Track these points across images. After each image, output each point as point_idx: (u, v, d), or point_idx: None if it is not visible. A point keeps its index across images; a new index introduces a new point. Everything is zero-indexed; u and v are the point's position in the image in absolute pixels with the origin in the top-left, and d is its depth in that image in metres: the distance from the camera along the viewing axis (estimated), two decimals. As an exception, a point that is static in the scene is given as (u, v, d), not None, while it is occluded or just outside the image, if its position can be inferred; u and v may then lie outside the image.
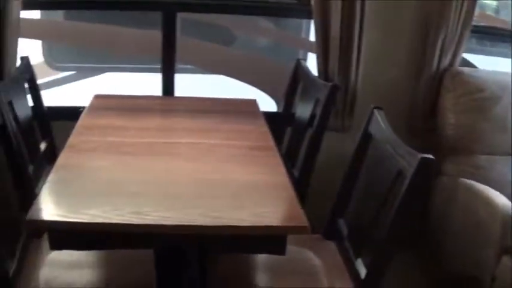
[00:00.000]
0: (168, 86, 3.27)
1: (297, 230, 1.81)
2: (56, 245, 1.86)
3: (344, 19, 2.92)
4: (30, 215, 1.76)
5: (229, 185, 2.06)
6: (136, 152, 2.30)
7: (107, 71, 4.50)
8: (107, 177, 2.08)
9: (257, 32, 4.07)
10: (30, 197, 2.21)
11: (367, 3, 2.91)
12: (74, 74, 4.52)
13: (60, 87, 4.34)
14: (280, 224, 1.84)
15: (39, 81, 2.94)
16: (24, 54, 2.85)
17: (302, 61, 3.03)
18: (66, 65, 4.29)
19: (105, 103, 2.85)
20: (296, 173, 2.64)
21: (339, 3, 2.88)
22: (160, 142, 2.42)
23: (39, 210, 1.81)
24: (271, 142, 2.44)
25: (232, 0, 3.36)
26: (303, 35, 3.85)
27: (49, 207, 1.86)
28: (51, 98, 3.17)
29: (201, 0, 3.28)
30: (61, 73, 4.37)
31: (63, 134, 2.43)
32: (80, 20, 3.69)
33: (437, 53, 3.07)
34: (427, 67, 3.11)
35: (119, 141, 2.38)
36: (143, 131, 2.52)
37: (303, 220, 1.77)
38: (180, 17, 3.29)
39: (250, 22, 3.89)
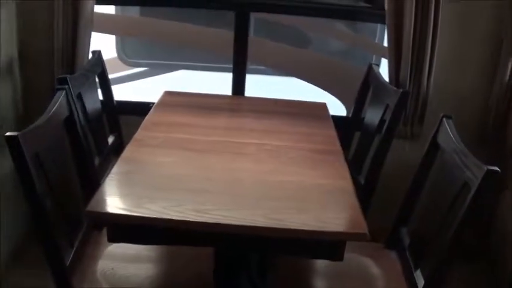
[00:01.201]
0: (238, 86, 3.25)
1: (356, 237, 1.77)
2: (115, 238, 1.85)
3: (417, 25, 2.84)
4: (91, 206, 1.76)
5: (293, 188, 2.01)
6: (202, 150, 2.28)
7: (179, 69, 4.53)
8: (170, 173, 2.06)
9: (331, 34, 4.01)
10: (94, 189, 2.21)
11: (441, 10, 2.82)
12: (146, 70, 4.56)
13: (132, 82, 4.39)
14: (341, 230, 1.79)
15: (111, 76, 2.96)
16: (97, 48, 2.87)
17: (374, 66, 2.95)
18: (138, 61, 4.33)
19: (174, 100, 2.85)
20: (361, 179, 2.58)
21: (413, 8, 2.80)
22: (226, 141, 2.40)
23: (100, 201, 1.80)
24: (338, 146, 2.39)
25: (307, 2, 3.31)
26: (377, 40, 3.76)
27: (110, 200, 1.86)
28: (122, 93, 3.19)
29: (275, 0, 3.24)
30: (134, 69, 4.42)
31: (132, 129, 2.44)
32: (155, 17, 3.71)
33: (511, 63, 2.94)
34: (500, 77, 2.99)
35: (184, 138, 2.37)
36: (210, 129, 2.50)
37: (363, 227, 1.73)
38: (254, 17, 3.26)
39: (324, 24, 3.83)
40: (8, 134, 1.71)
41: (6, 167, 2.52)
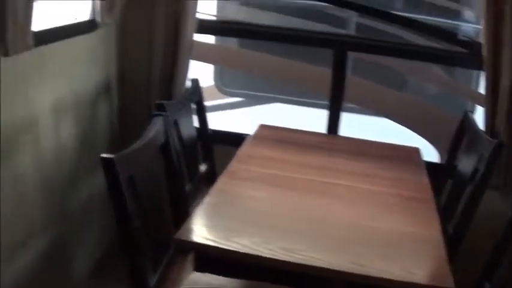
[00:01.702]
0: (333, 124, 3.24)
1: (442, 290, 1.72)
2: (200, 268, 1.88)
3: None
4: (180, 233, 1.79)
5: (381, 234, 1.99)
6: (294, 188, 2.29)
7: (273, 101, 4.57)
8: (261, 208, 2.08)
9: (428, 79, 3.96)
10: (183, 215, 2.25)
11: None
12: (242, 100, 4.63)
13: (227, 111, 4.46)
14: (425, 283, 1.74)
15: (207, 104, 3.02)
16: (195, 77, 2.94)
17: (470, 113, 2.89)
18: (235, 91, 4.40)
19: (269, 134, 2.88)
20: (450, 228, 2.52)
21: (512, 55, 2.72)
22: (318, 181, 2.39)
23: (189, 230, 1.84)
24: (429, 194, 2.34)
25: (404, 44, 3.29)
26: (473, 86, 3.70)
27: (199, 230, 1.89)
28: (217, 121, 3.25)
29: (374, 41, 3.24)
30: (229, 98, 4.49)
31: (224, 158, 2.47)
32: (253, 49, 3.77)
33: None
34: None
35: (277, 174, 2.39)
36: (303, 167, 2.50)
37: (449, 282, 1.69)
38: (352, 56, 3.26)
39: (421, 68, 3.80)
40: (103, 155, 1.76)
41: (97, 184, 2.60)
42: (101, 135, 3.02)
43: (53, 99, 2.56)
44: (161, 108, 2.36)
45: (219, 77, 4.22)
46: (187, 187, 2.57)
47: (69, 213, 2.78)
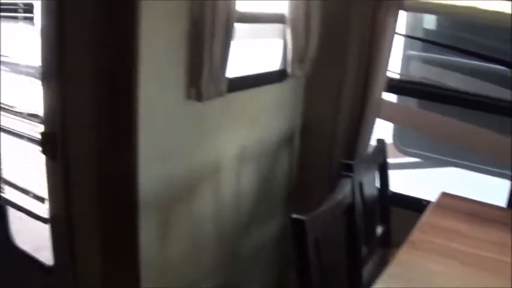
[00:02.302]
0: (515, 197, 3.06)
1: None
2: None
3: None
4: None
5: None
6: (475, 265, 2.17)
7: (451, 166, 4.42)
8: (440, 284, 1.99)
9: None
10: (357, 278, 2.21)
11: None
12: (419, 161, 4.52)
13: (403, 170, 4.37)
14: None
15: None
16: (380, 136, 2.90)
17: None
18: (413, 150, 4.31)
19: (452, 203, 2.76)
20: None
21: None
22: (502, 261, 2.25)
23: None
24: None
25: None
26: None
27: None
28: (393, 181, 3.18)
29: None
30: (406, 158, 4.40)
31: (402, 222, 2.41)
32: (433, 110, 3.67)
33: None
34: None
35: (460, 249, 2.27)
36: (487, 244, 2.36)
37: None
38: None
39: None
40: (295, 216, 1.77)
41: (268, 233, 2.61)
42: (278, 186, 3.05)
43: (238, 146, 2.62)
44: (349, 168, 2.34)
45: (397, 135, 4.15)
46: (363, 250, 2.51)
47: (239, 259, 2.81)
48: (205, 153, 2.43)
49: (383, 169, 2.86)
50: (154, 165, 2.12)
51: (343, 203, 2.18)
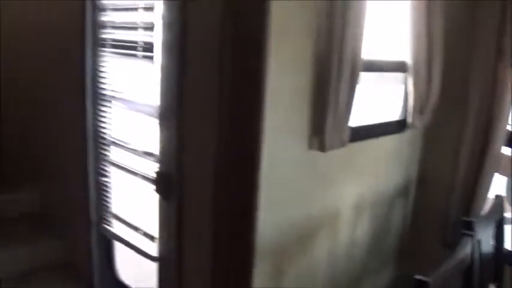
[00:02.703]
0: None
1: None
2: None
3: None
4: None
5: None
6: None
7: None
8: None
9: None
10: None
11: None
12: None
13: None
14: None
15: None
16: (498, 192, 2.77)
17: None
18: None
19: None
20: None
21: None
22: None
23: None
24: None
25: None
26: None
27: None
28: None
29: None
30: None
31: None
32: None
33: None
34: None
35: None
36: None
37: None
38: None
39: None
40: (419, 277, 1.70)
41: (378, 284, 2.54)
42: (391, 236, 2.97)
43: (355, 196, 2.58)
44: (470, 226, 2.23)
45: (510, 188, 3.96)
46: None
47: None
48: (323, 202, 2.39)
49: (500, 226, 2.72)
50: (273, 213, 2.09)
51: (463, 262, 2.08)
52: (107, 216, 2.94)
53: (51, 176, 3.47)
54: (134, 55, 2.57)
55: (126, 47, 2.62)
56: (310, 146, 2.20)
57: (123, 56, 2.66)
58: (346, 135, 2.28)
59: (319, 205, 2.39)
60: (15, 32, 3.76)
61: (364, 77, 2.34)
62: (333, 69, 2.10)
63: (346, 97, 2.20)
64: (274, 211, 2.12)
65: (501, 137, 2.77)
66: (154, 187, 2.43)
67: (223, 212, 2.11)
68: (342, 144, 2.27)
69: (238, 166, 2.02)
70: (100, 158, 2.92)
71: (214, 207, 2.12)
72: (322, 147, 2.20)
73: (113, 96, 2.78)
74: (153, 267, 2.54)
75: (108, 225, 2.95)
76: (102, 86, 2.84)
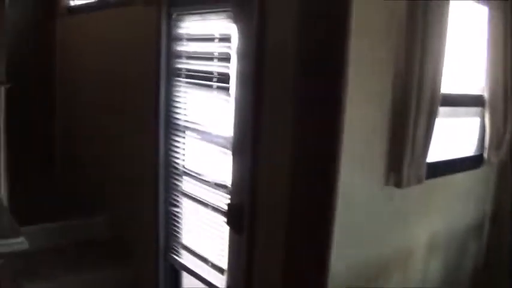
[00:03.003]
0: None
1: None
2: None
3: None
4: None
5: None
6: None
7: None
8: None
9: None
10: None
11: None
12: None
13: None
14: None
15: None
16: None
17: None
18: None
19: None
20: None
21: None
22: None
23: None
24: None
25: None
26: None
27: None
28: None
29: None
30: None
31: None
32: None
33: None
34: None
35: None
36: None
37: None
38: None
39: None
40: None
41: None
42: (464, 275, 2.84)
43: (429, 234, 2.49)
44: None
45: None
46: None
47: None
48: (397, 240, 2.31)
49: None
50: (346, 250, 2.02)
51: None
52: (176, 246, 2.93)
53: (120, 203, 3.49)
54: (209, 85, 2.56)
55: (201, 77, 2.62)
56: (387, 182, 2.13)
57: (197, 86, 2.65)
58: (424, 171, 2.20)
59: (392, 243, 2.31)
60: (89, 59, 3.84)
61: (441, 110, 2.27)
62: (411, 103, 2.04)
63: (424, 132, 2.13)
64: (347, 250, 2.05)
65: None
66: (225, 219, 2.40)
67: (295, 249, 2.06)
68: (419, 181, 2.19)
69: (312, 203, 1.97)
70: (171, 188, 2.92)
71: (286, 244, 2.07)
72: (399, 184, 2.12)
73: (186, 126, 2.77)
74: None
75: (176, 255, 2.93)
76: (176, 115, 2.84)
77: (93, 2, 3.96)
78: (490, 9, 2.52)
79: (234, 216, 2.33)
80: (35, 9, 4.71)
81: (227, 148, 2.42)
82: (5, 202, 2.55)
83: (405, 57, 2.02)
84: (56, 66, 4.55)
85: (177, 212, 2.90)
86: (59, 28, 4.50)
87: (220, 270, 2.54)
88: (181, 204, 2.87)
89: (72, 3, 4.40)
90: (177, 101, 2.84)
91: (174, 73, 2.83)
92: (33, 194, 3.92)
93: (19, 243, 2.02)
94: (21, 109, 4.14)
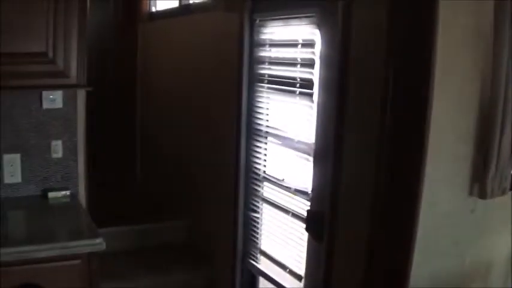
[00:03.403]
0: None
1: None
2: None
3: None
4: None
5: None
6: None
7: None
8: None
9: None
10: None
11: None
12: None
13: None
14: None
15: None
16: None
17: None
18: None
19: None
20: None
21: None
22: None
23: None
24: None
25: None
26: None
27: None
28: None
29: None
30: None
31: None
32: None
33: None
34: None
35: None
36: None
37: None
38: None
39: None
40: None
41: None
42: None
43: (510, 246, 2.40)
44: None
45: None
46: None
47: None
48: (478, 252, 2.24)
49: None
50: (427, 261, 1.97)
51: None
52: (254, 252, 2.93)
53: (198, 207, 3.52)
54: (292, 91, 2.55)
55: (284, 83, 2.61)
56: (470, 193, 2.08)
57: (279, 92, 2.65)
58: (509, 182, 2.13)
59: (473, 255, 2.24)
60: (170, 64, 3.89)
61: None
62: (498, 113, 1.98)
63: (510, 142, 2.06)
64: (428, 260, 2.00)
65: None
66: (304, 226, 2.38)
67: (376, 258, 2.02)
68: (503, 192, 2.12)
69: (395, 211, 1.93)
70: (251, 193, 2.92)
71: (366, 253, 2.04)
72: (483, 194, 2.06)
73: (268, 132, 2.77)
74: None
75: (254, 260, 2.93)
76: (258, 121, 2.85)
77: (175, 7, 4.03)
78: None
79: (313, 223, 2.31)
80: (117, 14, 4.83)
81: (309, 154, 2.41)
82: (84, 203, 2.60)
83: (493, 65, 1.96)
84: (137, 71, 4.65)
85: (256, 218, 2.90)
86: (140, 33, 4.60)
87: (298, 277, 2.52)
88: (261, 209, 2.87)
89: (153, 9, 4.49)
90: (259, 107, 2.85)
91: (257, 79, 2.83)
92: (113, 195, 4.00)
93: (97, 244, 2.08)
94: (102, 112, 4.25)
